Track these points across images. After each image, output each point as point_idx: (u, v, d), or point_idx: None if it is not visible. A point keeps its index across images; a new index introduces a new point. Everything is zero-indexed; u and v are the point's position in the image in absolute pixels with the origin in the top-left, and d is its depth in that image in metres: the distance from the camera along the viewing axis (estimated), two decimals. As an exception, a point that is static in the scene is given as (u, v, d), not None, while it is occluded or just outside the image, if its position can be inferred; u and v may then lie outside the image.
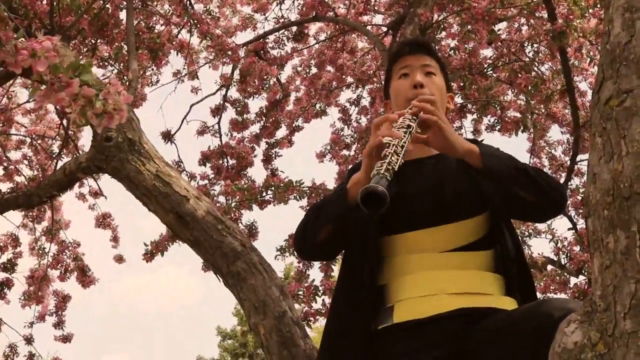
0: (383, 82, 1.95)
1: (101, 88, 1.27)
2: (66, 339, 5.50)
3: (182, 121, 5.81)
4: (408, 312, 1.58)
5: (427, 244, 1.64)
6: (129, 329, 31.86)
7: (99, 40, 4.88)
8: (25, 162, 5.65)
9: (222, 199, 5.25)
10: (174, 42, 5.38)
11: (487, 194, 1.64)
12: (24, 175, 5.40)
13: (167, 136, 5.69)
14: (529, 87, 4.88)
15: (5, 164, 5.39)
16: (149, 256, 4.91)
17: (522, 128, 5.10)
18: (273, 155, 5.88)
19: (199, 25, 5.01)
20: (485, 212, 1.67)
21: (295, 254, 2.17)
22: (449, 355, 1.52)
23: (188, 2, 5.31)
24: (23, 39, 1.27)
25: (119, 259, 5.78)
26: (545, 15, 4.48)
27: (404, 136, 1.54)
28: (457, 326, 1.54)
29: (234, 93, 5.98)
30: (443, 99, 1.81)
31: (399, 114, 1.65)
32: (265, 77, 5.68)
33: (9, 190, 4.22)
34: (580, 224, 5.24)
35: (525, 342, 1.38)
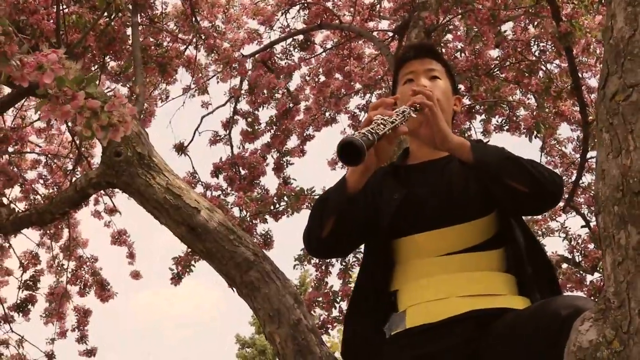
0: (391, 88, 1.95)
1: (106, 100, 1.27)
2: (90, 352, 5.53)
3: (194, 132, 5.83)
4: (420, 317, 1.59)
5: (436, 245, 1.64)
6: (149, 341, 31.91)
7: (107, 57, 4.91)
8: (41, 181, 5.69)
9: (236, 209, 5.26)
10: (181, 59, 5.40)
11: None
12: (39, 195, 5.44)
13: (180, 148, 5.70)
14: (541, 91, 4.85)
15: (20, 182, 5.43)
16: (176, 279, 4.89)
17: (535, 133, 5.05)
18: (285, 164, 5.87)
19: (205, 41, 5.03)
20: (494, 212, 1.66)
21: (308, 252, 2.14)
22: (463, 358, 1.52)
23: (194, 18, 5.34)
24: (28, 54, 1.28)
25: (136, 275, 5.79)
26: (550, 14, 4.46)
27: (395, 116, 1.51)
28: (469, 329, 1.54)
29: (243, 105, 5.99)
30: (448, 101, 1.80)
31: (394, 97, 1.66)
32: (273, 88, 5.68)
33: (23, 209, 4.23)
34: (594, 221, 5.20)
35: (534, 342, 1.38)
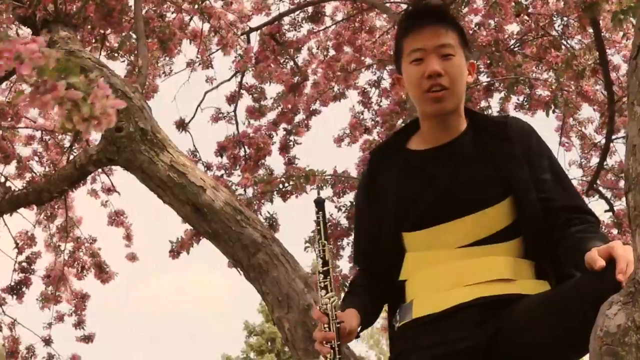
0: (393, 53, 1.75)
1: (89, 92, 1.17)
2: (88, 339, 5.35)
3: (197, 109, 5.64)
4: (426, 307, 1.57)
5: (446, 239, 1.59)
6: (154, 328, 31.98)
7: (108, 30, 4.70)
8: (36, 158, 5.50)
9: (240, 190, 5.08)
10: (186, 32, 5.19)
11: (510, 179, 1.56)
12: (34, 172, 5.26)
13: (181, 125, 5.51)
14: (560, 65, 4.63)
15: (16, 160, 5.24)
16: (174, 254, 4.84)
17: (553, 108, 4.85)
18: (291, 144, 5.68)
19: (210, 20, 4.84)
20: (508, 198, 1.56)
21: None
22: (475, 347, 1.49)
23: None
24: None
25: (132, 257, 5.63)
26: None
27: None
28: (475, 316, 1.51)
29: (249, 78, 5.78)
30: (463, 78, 1.63)
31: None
32: (281, 62, 5.47)
33: (20, 188, 4.05)
34: (617, 205, 5.05)
35: (543, 328, 1.38)
